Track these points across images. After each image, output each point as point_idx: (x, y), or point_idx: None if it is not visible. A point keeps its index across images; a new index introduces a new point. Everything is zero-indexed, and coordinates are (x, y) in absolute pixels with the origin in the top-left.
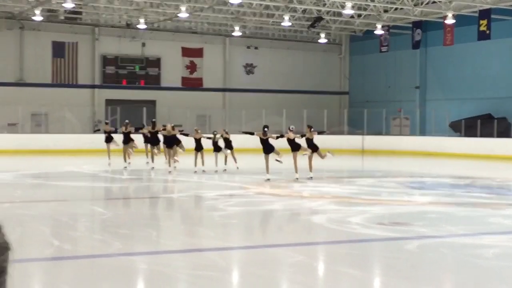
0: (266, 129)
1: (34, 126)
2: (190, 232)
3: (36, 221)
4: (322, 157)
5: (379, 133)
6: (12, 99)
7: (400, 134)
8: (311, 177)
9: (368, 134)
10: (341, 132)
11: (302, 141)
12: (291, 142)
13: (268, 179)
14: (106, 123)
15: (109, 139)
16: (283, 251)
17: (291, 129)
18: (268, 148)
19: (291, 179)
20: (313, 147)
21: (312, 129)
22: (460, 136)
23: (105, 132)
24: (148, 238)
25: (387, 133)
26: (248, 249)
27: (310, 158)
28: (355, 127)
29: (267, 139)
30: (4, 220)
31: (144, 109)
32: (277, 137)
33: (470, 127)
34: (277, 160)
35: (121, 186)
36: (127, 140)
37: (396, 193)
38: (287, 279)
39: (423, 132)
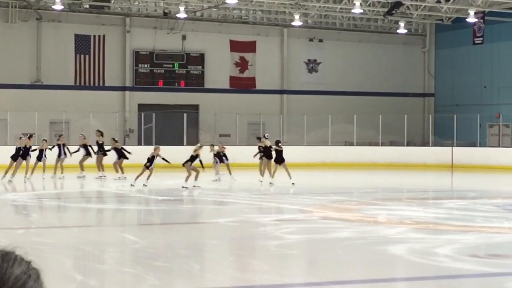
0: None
1: (53, 136)
2: (240, 266)
3: (55, 251)
4: (270, 173)
5: (472, 144)
6: (28, 104)
7: (499, 146)
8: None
9: (458, 145)
10: (425, 143)
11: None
12: (266, 150)
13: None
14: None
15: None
16: None
17: (266, 137)
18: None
19: (362, 200)
20: (281, 160)
21: (280, 144)
22: None
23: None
24: (189, 272)
25: (483, 144)
26: (311, 287)
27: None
28: (442, 137)
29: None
30: (17, 249)
31: (185, 115)
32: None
33: None
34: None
35: (157, 209)
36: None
37: (494, 218)
38: None
39: None
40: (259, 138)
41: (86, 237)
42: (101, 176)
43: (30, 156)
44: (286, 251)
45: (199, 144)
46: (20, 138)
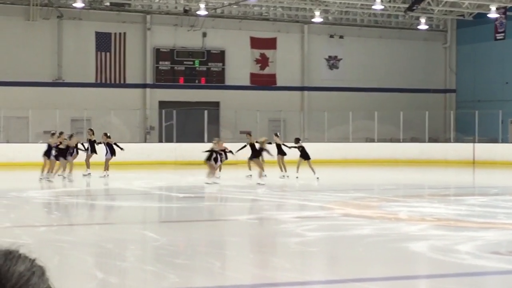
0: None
1: (75, 133)
2: (261, 263)
3: (76, 248)
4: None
5: (494, 140)
6: (49, 101)
7: None
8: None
9: (480, 141)
10: (447, 139)
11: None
12: (278, 147)
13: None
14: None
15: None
16: (374, 286)
17: (277, 135)
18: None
19: (383, 197)
20: (307, 156)
21: (300, 141)
22: None
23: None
24: (210, 269)
25: (504, 140)
26: (332, 284)
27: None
28: (464, 133)
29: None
30: (39, 247)
31: (206, 112)
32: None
33: None
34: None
35: (178, 206)
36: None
37: None
38: None
39: None
40: (248, 133)
41: (107, 235)
42: (88, 174)
43: (71, 155)
44: (306, 249)
45: (264, 138)
46: (53, 134)
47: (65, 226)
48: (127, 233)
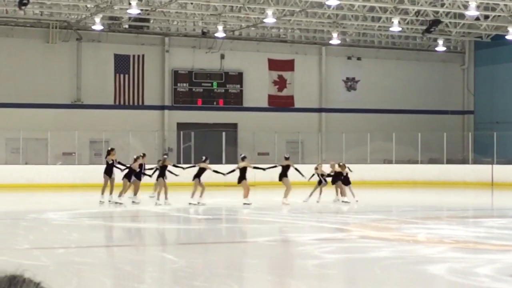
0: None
1: (93, 155)
2: (279, 285)
3: (94, 270)
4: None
5: None
6: (68, 123)
7: None
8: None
9: (498, 163)
10: (465, 161)
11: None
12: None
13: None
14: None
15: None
16: None
17: (286, 157)
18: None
19: (401, 219)
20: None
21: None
22: None
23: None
24: None
25: None
26: None
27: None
28: (482, 155)
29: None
30: (57, 269)
31: (224, 134)
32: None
33: None
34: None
35: (196, 228)
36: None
37: None
38: None
39: None
40: (243, 158)
41: (125, 257)
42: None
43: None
44: (324, 271)
45: (315, 165)
46: (136, 159)
47: (84, 248)
48: (146, 255)
